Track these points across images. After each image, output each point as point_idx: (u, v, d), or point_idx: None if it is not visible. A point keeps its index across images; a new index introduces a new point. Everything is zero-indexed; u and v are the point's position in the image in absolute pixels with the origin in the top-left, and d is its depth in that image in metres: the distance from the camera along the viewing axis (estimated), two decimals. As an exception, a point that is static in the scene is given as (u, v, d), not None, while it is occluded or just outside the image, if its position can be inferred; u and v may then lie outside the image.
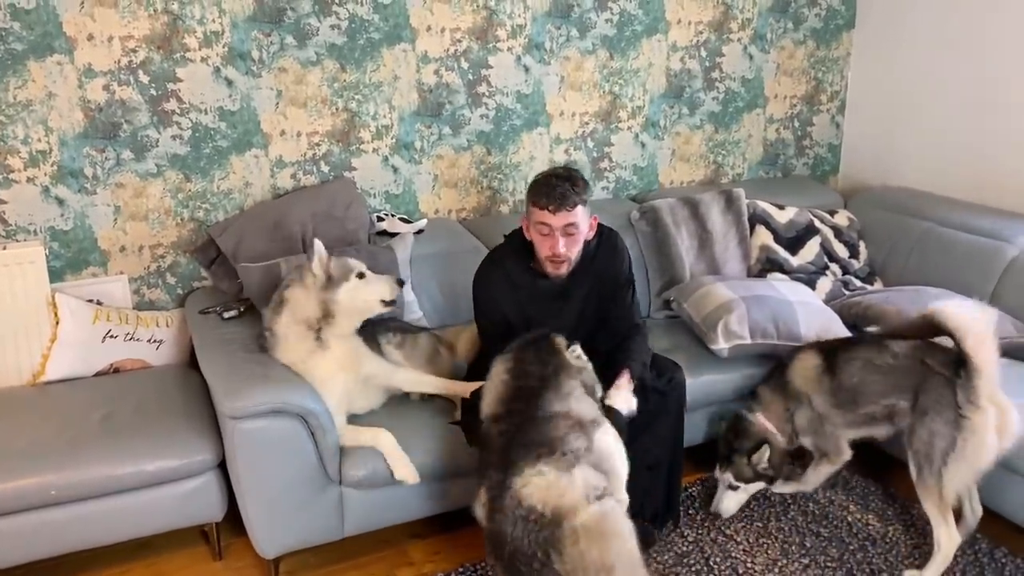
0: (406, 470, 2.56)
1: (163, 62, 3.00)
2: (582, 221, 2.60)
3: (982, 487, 2.69)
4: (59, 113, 2.92)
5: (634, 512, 2.25)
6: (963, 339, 2.46)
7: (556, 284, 2.71)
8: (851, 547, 2.78)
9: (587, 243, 2.70)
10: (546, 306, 2.72)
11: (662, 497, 2.77)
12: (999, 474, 2.62)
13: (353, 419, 2.68)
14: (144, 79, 2.99)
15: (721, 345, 3.07)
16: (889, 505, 3.00)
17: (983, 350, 2.45)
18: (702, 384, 3.01)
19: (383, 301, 2.70)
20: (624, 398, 2.47)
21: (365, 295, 2.67)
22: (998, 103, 3.67)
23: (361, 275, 2.68)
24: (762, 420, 2.87)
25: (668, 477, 2.77)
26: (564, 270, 2.66)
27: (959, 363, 2.49)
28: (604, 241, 2.79)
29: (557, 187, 2.55)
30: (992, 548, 2.76)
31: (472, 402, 2.54)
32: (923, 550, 2.74)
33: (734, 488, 2.89)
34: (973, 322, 2.46)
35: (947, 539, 2.55)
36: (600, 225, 2.78)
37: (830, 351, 2.85)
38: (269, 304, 2.69)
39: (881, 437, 2.81)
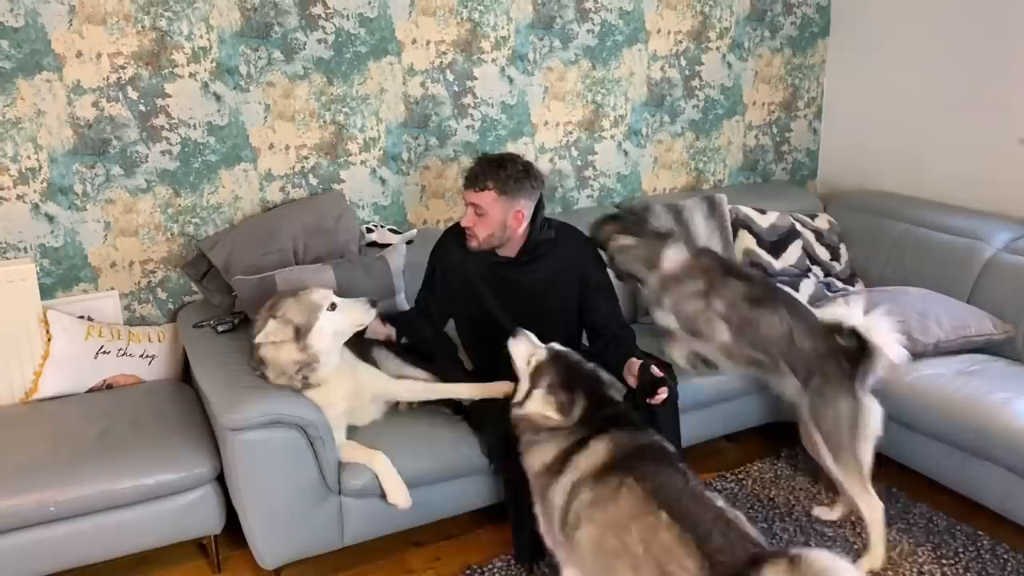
0: (399, 495, 2.57)
1: (152, 78, 3.02)
2: (490, 206, 2.70)
3: (988, 488, 2.82)
4: (48, 130, 2.92)
5: None
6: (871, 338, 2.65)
7: (507, 261, 2.83)
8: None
9: (537, 228, 2.80)
10: (497, 282, 2.84)
11: None
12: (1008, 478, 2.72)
13: (353, 430, 2.70)
14: (133, 95, 3.01)
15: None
16: (891, 504, 3.03)
17: (887, 347, 2.64)
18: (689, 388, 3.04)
19: (359, 325, 2.64)
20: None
21: (339, 328, 2.57)
22: (971, 104, 3.77)
23: (333, 306, 2.57)
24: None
25: None
26: (474, 245, 2.78)
27: (860, 356, 2.65)
28: (566, 235, 2.90)
29: (477, 167, 2.73)
30: (994, 545, 2.82)
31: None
32: (926, 548, 2.80)
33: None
34: (885, 329, 2.65)
35: (872, 508, 2.69)
36: (562, 223, 2.94)
37: (767, 294, 2.90)
38: (250, 355, 2.62)
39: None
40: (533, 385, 2.33)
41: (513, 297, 2.84)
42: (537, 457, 2.29)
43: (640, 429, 2.24)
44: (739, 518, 1.95)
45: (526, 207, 2.76)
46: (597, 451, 2.16)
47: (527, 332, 2.45)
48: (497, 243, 2.79)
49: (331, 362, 2.58)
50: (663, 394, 2.53)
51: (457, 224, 2.87)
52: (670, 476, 2.07)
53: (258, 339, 2.53)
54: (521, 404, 2.34)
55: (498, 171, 2.69)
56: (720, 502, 2.00)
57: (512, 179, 2.70)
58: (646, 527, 1.94)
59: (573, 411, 2.25)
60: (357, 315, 2.62)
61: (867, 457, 2.69)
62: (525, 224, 2.79)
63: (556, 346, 2.43)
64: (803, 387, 2.76)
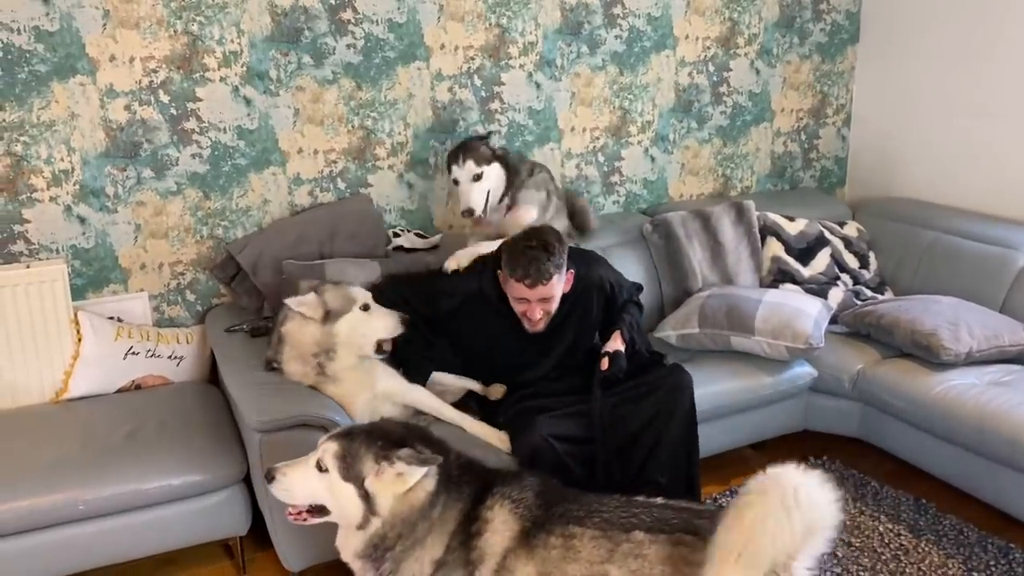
0: None
1: (183, 82, 3.05)
2: (558, 288, 2.62)
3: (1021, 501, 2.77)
4: (81, 133, 2.96)
5: None
6: None
7: (537, 334, 2.74)
8: (883, 557, 2.79)
9: (564, 297, 2.71)
10: (522, 349, 2.77)
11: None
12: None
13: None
14: (164, 99, 3.04)
15: (668, 332, 3.30)
16: (921, 515, 3.00)
17: None
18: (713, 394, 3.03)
19: (380, 341, 2.62)
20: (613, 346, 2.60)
21: (365, 329, 2.59)
22: (1002, 112, 3.73)
23: (366, 307, 2.60)
24: None
25: (687, 488, 2.78)
26: (543, 327, 2.69)
27: None
28: (581, 287, 2.79)
29: (533, 261, 2.53)
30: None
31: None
32: (956, 560, 2.75)
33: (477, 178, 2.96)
34: None
35: None
36: (578, 273, 2.77)
37: None
38: (271, 338, 2.68)
39: None
40: (360, 477, 1.90)
41: (536, 362, 2.82)
42: (425, 557, 1.90)
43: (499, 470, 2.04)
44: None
45: (568, 265, 2.69)
46: (499, 521, 1.89)
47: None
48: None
49: (347, 359, 2.61)
50: (604, 364, 2.58)
51: (482, 264, 2.82)
52: (589, 500, 1.91)
53: (290, 301, 2.57)
54: (368, 521, 1.92)
55: (550, 253, 2.56)
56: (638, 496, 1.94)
57: (562, 253, 2.60)
58: (627, 556, 1.77)
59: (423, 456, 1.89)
60: (386, 324, 2.63)
61: None
62: (570, 287, 2.73)
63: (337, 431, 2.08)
64: None
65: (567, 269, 2.67)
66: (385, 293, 2.79)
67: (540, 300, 2.62)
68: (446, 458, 1.96)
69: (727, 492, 3.13)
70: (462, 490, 1.95)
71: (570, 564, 1.79)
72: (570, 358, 2.84)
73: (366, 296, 2.62)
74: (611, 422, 2.64)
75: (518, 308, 2.68)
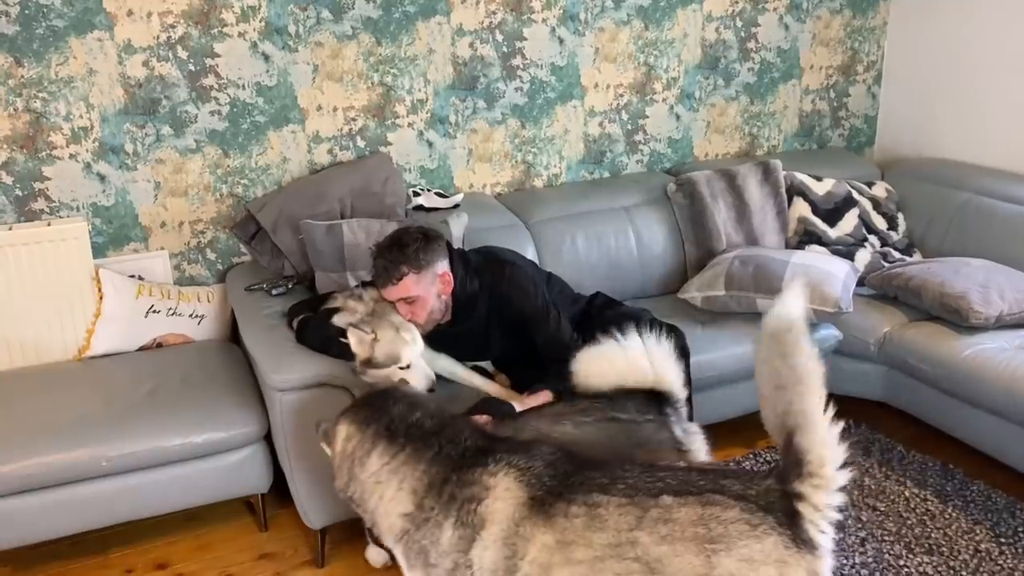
0: None
1: (201, 37, 3.01)
2: (417, 289, 2.46)
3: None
4: (100, 89, 2.93)
5: None
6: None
7: (447, 327, 2.63)
8: (909, 522, 2.76)
9: (461, 285, 2.58)
10: (438, 338, 2.65)
11: None
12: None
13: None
14: (183, 55, 3.00)
15: (693, 293, 3.26)
16: (948, 481, 2.96)
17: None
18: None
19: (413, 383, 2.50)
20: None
21: (394, 379, 2.45)
22: (1041, 70, 3.61)
23: (407, 367, 2.43)
24: None
25: None
26: (428, 329, 2.56)
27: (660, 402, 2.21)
28: (488, 278, 2.64)
29: (381, 263, 2.46)
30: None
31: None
32: (984, 526, 2.72)
33: None
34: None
35: None
36: (484, 261, 2.67)
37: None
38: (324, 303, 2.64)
39: None
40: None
41: (456, 345, 2.71)
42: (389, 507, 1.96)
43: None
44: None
45: (444, 267, 2.53)
46: (501, 488, 1.86)
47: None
48: (440, 316, 2.57)
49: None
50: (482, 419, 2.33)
51: None
52: (612, 467, 1.86)
53: (349, 326, 2.44)
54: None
55: (401, 252, 2.45)
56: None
57: (419, 251, 2.46)
58: (657, 521, 1.73)
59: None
60: (416, 382, 2.44)
61: None
62: (455, 283, 2.57)
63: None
64: None
65: (439, 269, 2.51)
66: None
67: (403, 303, 2.49)
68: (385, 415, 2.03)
69: (750, 454, 3.11)
70: (427, 450, 1.95)
71: (595, 533, 1.76)
72: (509, 358, 2.75)
73: (412, 355, 2.44)
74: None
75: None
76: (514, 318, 2.63)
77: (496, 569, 1.83)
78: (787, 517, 1.66)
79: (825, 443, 1.65)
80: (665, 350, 2.18)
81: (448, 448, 1.96)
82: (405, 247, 2.46)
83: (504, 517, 1.83)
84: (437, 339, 2.64)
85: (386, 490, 1.97)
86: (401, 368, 2.42)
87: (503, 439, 2.02)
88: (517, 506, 1.83)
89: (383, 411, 2.06)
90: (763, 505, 1.67)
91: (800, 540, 1.65)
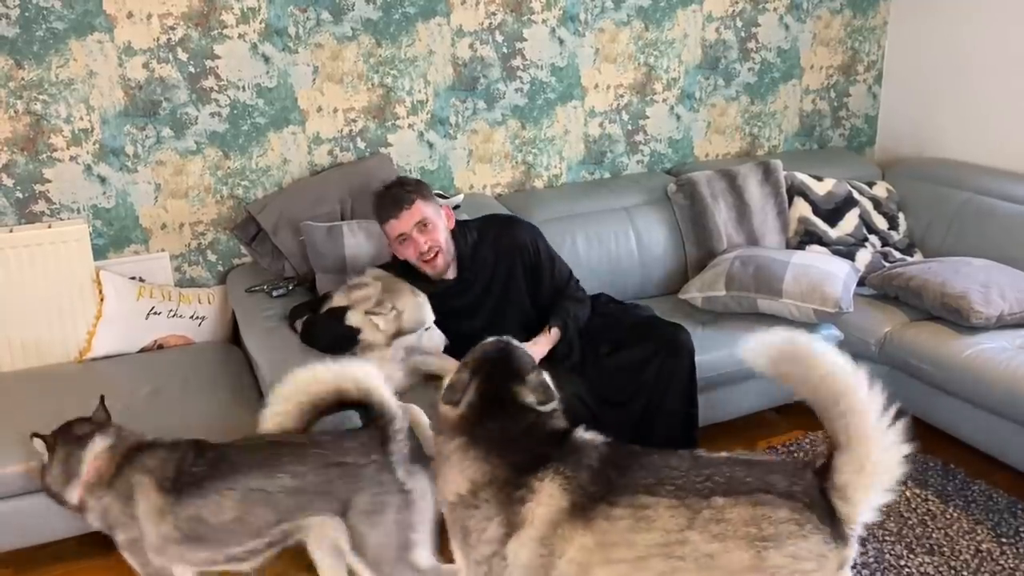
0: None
1: (201, 39, 3.01)
2: (429, 212, 2.61)
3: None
4: (100, 91, 2.94)
5: None
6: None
7: (452, 285, 2.73)
8: (910, 522, 2.76)
9: (461, 235, 2.72)
10: (452, 308, 2.70)
11: None
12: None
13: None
14: (183, 56, 3.00)
15: (693, 294, 3.26)
16: (949, 481, 2.96)
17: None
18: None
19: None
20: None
21: (417, 344, 2.63)
22: (1042, 70, 3.61)
23: (428, 328, 2.62)
24: None
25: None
26: (441, 262, 2.66)
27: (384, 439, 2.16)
28: (489, 229, 2.81)
29: (389, 195, 2.63)
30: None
31: None
32: (985, 526, 2.72)
33: None
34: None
35: None
36: (483, 223, 2.84)
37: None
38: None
39: None
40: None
41: (471, 310, 2.76)
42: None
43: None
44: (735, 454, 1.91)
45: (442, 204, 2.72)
46: (546, 494, 1.87)
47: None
48: (451, 258, 2.69)
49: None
50: None
51: (397, 267, 2.74)
52: (657, 466, 1.87)
53: (363, 316, 2.55)
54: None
55: (404, 185, 2.65)
56: (703, 452, 1.92)
57: (420, 185, 2.68)
58: (709, 521, 1.77)
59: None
60: (439, 340, 2.63)
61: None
62: (453, 224, 2.74)
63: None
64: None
65: (439, 203, 2.70)
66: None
67: (418, 229, 2.60)
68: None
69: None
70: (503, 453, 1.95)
71: (640, 534, 1.80)
72: (500, 318, 2.74)
73: (432, 316, 2.62)
74: (605, 388, 2.64)
75: (411, 254, 2.64)
76: (526, 258, 2.77)
77: (531, 566, 1.87)
78: (827, 514, 1.76)
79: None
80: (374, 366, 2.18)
81: (520, 456, 1.95)
82: (407, 182, 2.68)
83: (544, 522, 1.87)
84: (463, 310, 2.72)
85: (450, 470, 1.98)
86: (426, 330, 2.56)
87: (561, 445, 1.97)
88: (558, 511, 1.86)
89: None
90: (807, 503, 1.76)
91: (837, 535, 1.76)
